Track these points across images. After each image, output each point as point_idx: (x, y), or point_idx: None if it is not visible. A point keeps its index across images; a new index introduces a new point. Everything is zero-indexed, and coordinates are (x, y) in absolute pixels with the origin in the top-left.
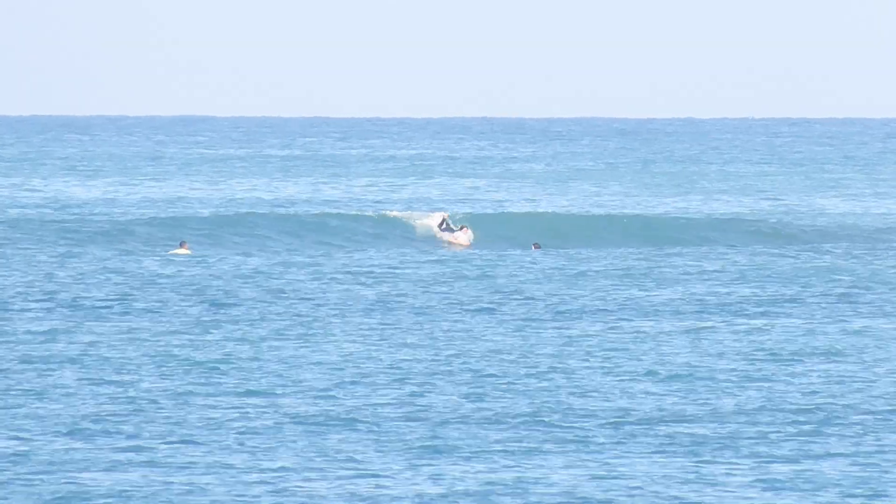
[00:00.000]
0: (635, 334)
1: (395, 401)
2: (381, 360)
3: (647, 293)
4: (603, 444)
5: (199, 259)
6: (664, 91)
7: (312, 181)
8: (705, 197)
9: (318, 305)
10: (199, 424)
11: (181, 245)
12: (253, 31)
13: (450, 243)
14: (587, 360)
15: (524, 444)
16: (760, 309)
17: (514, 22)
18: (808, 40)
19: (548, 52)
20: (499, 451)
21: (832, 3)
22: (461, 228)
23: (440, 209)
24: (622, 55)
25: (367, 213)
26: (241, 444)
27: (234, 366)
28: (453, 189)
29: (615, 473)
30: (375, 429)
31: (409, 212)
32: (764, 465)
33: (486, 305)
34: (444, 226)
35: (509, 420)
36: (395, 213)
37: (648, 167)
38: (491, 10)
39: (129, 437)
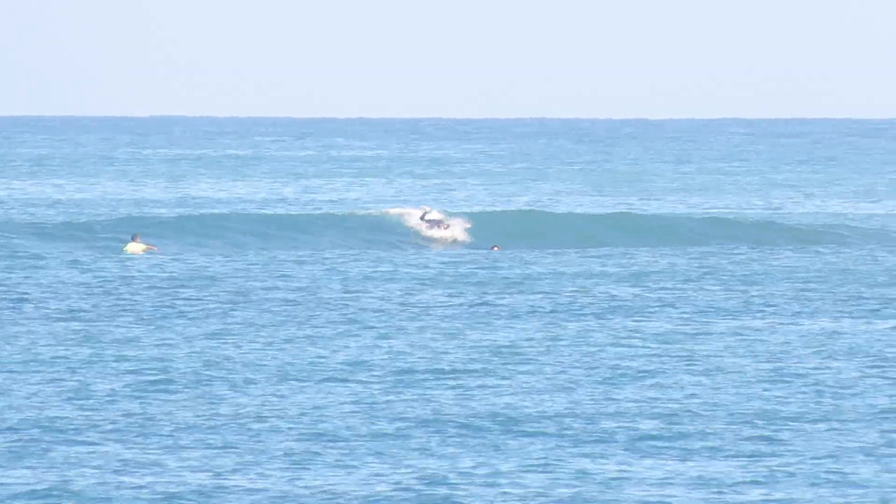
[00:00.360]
0: (585, 334)
1: (344, 401)
2: (330, 359)
3: (602, 293)
4: (548, 444)
5: (156, 257)
6: (664, 91)
7: (271, 181)
8: (658, 196)
9: (276, 305)
10: (149, 425)
11: (133, 238)
12: (253, 32)
13: (432, 238)
14: (535, 361)
15: (465, 445)
16: (711, 309)
17: (513, 22)
18: (808, 40)
19: (547, 53)
20: (439, 451)
21: (832, 3)
22: (445, 226)
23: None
24: (621, 55)
25: (333, 213)
26: (196, 443)
27: (188, 366)
28: (410, 188)
29: (560, 472)
30: (324, 428)
31: (385, 208)
32: (707, 463)
33: (438, 306)
34: (424, 218)
35: (445, 421)
36: (370, 211)
37: (600, 166)
38: (490, 11)
39: (82, 436)
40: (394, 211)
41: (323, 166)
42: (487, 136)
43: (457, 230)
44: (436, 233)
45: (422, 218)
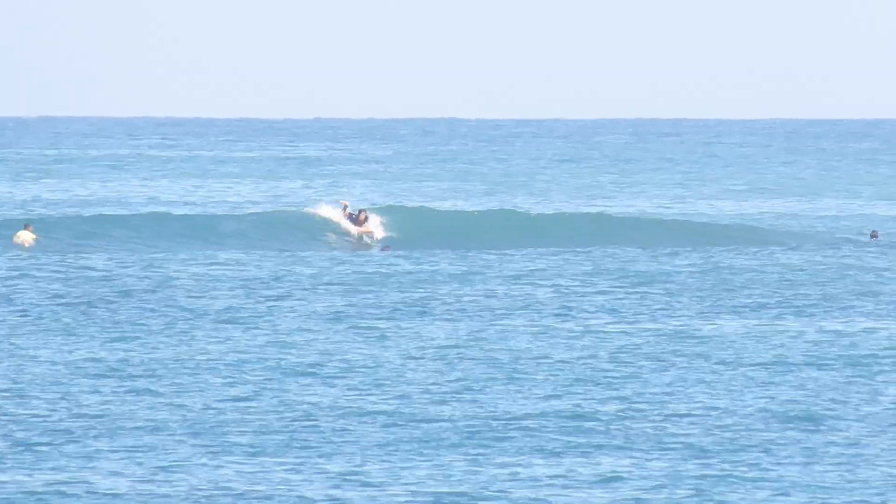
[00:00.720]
0: (467, 333)
1: (218, 398)
2: (202, 358)
3: (486, 292)
4: (426, 443)
5: (41, 256)
6: (664, 92)
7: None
8: (545, 196)
9: (158, 305)
10: (12, 427)
11: (25, 227)
12: (253, 32)
13: (349, 233)
14: (419, 362)
15: (343, 443)
16: (595, 308)
17: (513, 22)
18: (808, 40)
19: (548, 53)
20: (320, 448)
21: (832, 4)
22: (364, 217)
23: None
24: (621, 55)
25: (217, 214)
26: (62, 443)
27: (61, 364)
28: (292, 188)
29: (439, 471)
30: (195, 427)
31: (305, 206)
32: (589, 460)
33: (319, 306)
34: (346, 211)
35: (323, 419)
36: (251, 211)
37: (486, 166)
38: (490, 11)
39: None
40: (322, 212)
41: (205, 167)
42: (367, 137)
43: (373, 223)
44: (353, 227)
45: (343, 210)
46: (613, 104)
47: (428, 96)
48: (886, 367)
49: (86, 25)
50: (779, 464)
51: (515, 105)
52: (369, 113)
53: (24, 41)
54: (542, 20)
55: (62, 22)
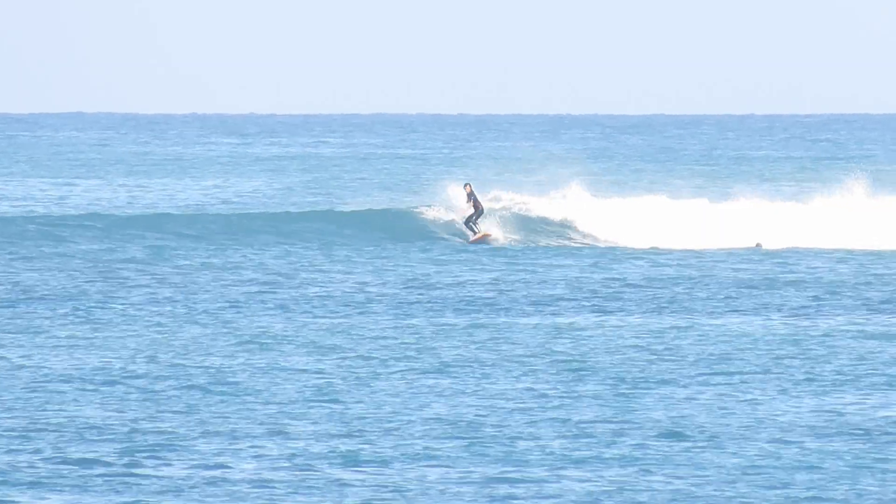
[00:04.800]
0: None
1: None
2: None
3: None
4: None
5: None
6: (663, 91)
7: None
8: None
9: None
10: None
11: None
12: (251, 32)
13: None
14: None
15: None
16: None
17: (513, 22)
18: (809, 40)
19: (548, 53)
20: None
21: (832, 3)
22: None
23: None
24: (621, 55)
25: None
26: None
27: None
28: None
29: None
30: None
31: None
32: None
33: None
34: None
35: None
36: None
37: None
38: (489, 10)
39: None
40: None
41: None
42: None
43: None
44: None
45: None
46: (612, 105)
47: (426, 95)
48: None
49: (84, 23)
50: None
51: (515, 105)
52: (365, 109)
53: (21, 40)
54: (542, 20)
55: (62, 21)
